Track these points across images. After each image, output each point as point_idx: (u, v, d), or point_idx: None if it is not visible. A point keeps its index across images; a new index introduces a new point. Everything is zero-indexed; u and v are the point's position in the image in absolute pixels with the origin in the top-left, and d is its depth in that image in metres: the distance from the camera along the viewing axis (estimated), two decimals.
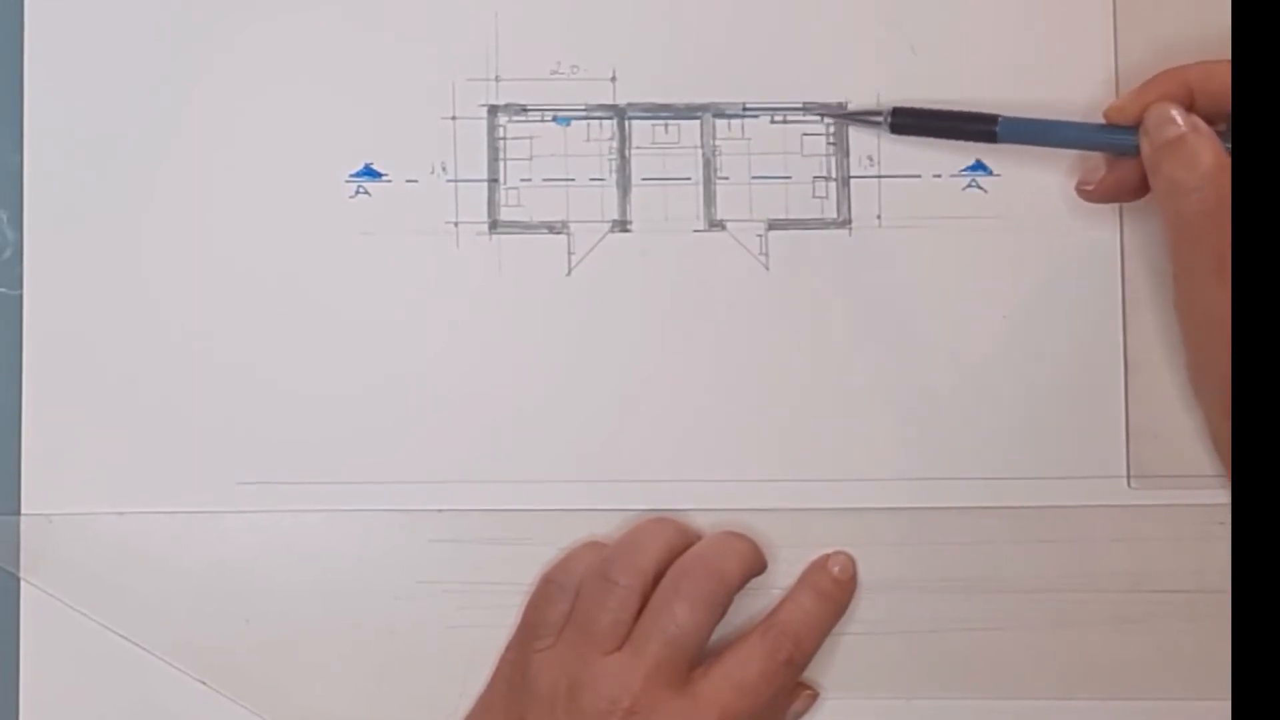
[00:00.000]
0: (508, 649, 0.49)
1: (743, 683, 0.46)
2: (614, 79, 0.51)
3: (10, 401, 0.50)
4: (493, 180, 0.51)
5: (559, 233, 0.51)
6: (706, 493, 0.50)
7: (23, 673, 0.50)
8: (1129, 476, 0.50)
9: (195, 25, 0.51)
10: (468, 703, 0.49)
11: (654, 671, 0.45)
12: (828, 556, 0.49)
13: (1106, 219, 0.50)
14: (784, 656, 0.47)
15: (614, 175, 0.51)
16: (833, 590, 0.49)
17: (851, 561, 0.49)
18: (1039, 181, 0.50)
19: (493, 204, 0.51)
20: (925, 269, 0.50)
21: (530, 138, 0.51)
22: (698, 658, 0.46)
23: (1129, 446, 0.50)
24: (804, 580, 0.49)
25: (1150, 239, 0.50)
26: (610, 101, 0.51)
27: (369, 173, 0.51)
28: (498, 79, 0.51)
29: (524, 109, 0.51)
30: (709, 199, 0.51)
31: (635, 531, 0.49)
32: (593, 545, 0.49)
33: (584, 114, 0.51)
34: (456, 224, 0.51)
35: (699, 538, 0.49)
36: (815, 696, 0.49)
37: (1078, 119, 0.49)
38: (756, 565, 0.49)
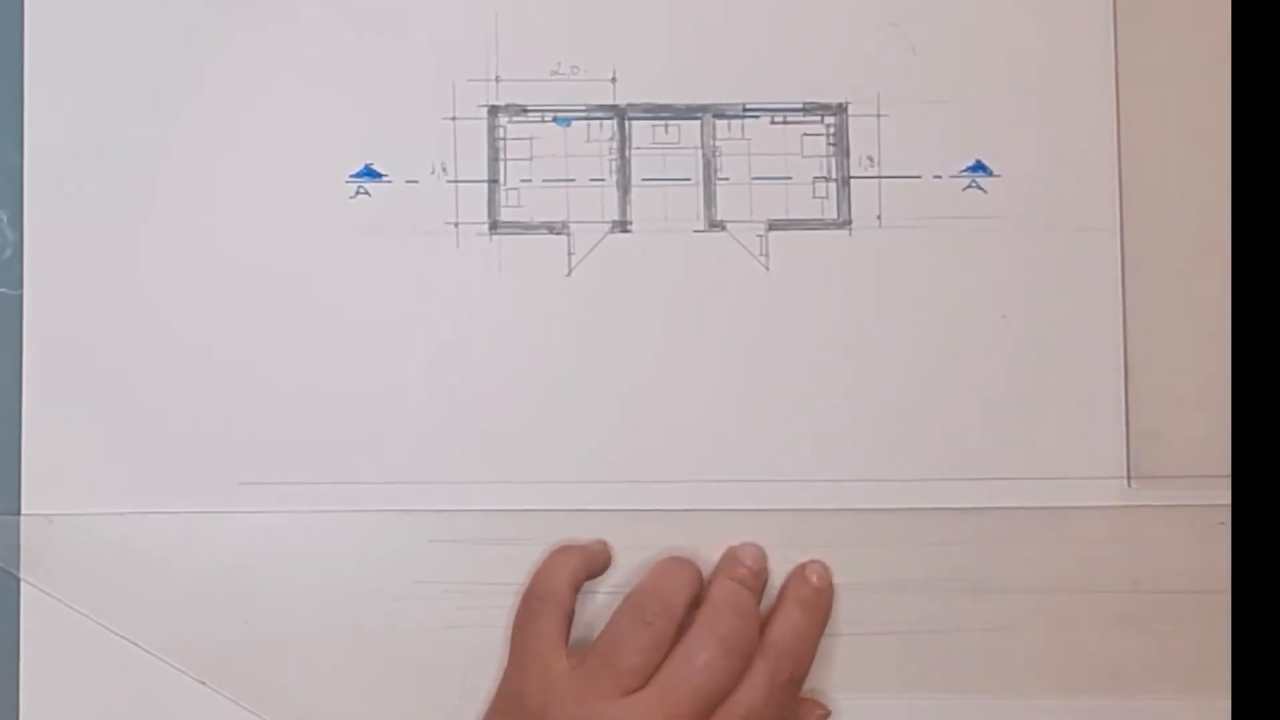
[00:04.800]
0: (506, 676, 0.48)
1: (751, 711, 0.46)
2: (614, 79, 0.51)
3: (10, 401, 0.50)
4: (493, 181, 0.51)
5: (559, 233, 0.51)
6: (706, 493, 0.50)
7: (23, 673, 0.50)
8: (1129, 477, 0.50)
9: (195, 25, 0.51)
10: (468, 702, 0.49)
11: (677, 718, 0.45)
12: (803, 566, 0.49)
13: (1106, 219, 0.50)
14: (786, 676, 0.47)
15: (614, 175, 0.51)
16: (815, 599, 0.49)
17: (827, 569, 0.49)
18: (1039, 181, 0.50)
19: (493, 204, 0.51)
20: (925, 269, 0.50)
21: (530, 138, 0.51)
22: (719, 704, 0.46)
23: (1129, 446, 0.50)
24: (787, 594, 0.49)
25: (1149, 239, 0.50)
26: (610, 102, 0.51)
27: (369, 173, 0.51)
28: (498, 79, 0.51)
29: (524, 109, 0.51)
30: (709, 199, 0.51)
31: (662, 572, 0.48)
32: (566, 550, 0.49)
33: (584, 114, 0.51)
34: (456, 224, 0.51)
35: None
36: (827, 715, 0.49)
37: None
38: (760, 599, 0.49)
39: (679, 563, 0.49)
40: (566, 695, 0.46)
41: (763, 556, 0.49)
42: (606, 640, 0.47)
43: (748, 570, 0.49)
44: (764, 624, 0.48)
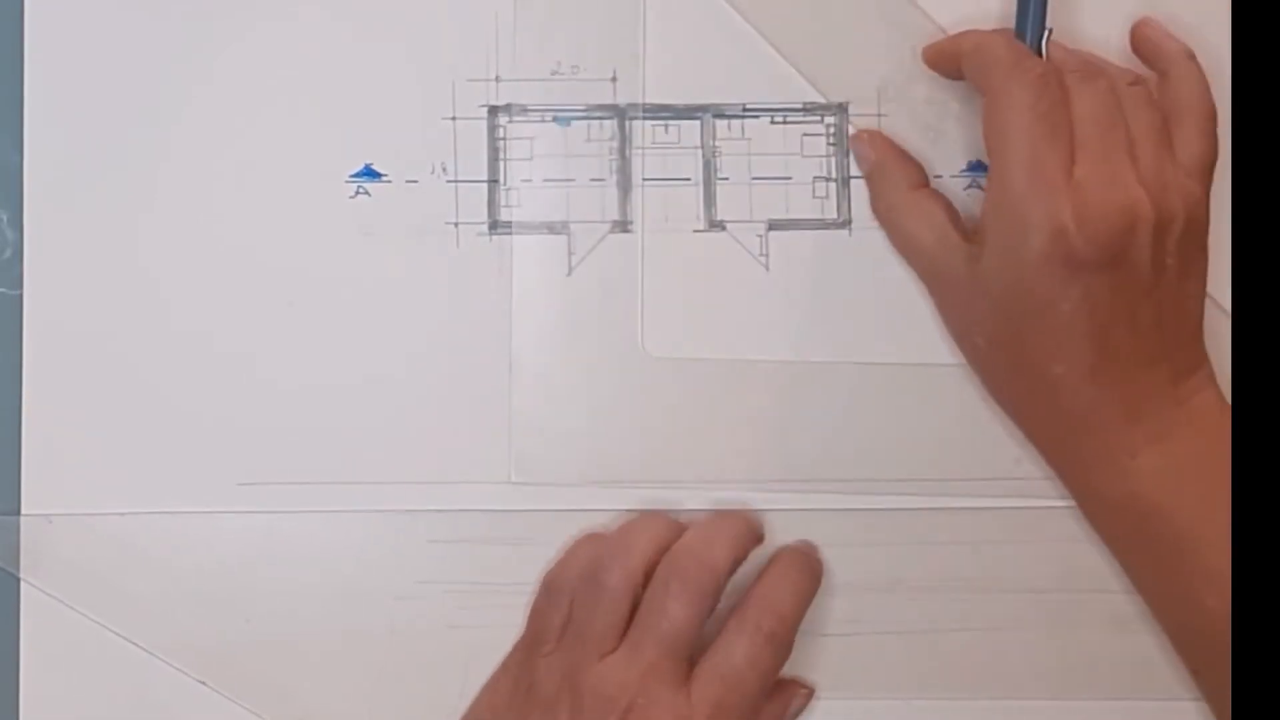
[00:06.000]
0: (514, 652, 0.49)
1: (729, 671, 0.46)
2: (614, 79, 0.51)
3: (10, 401, 0.50)
4: (493, 181, 0.51)
5: (559, 233, 0.51)
6: (706, 494, 0.50)
7: (23, 673, 0.50)
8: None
9: (195, 25, 0.51)
10: (468, 703, 0.49)
11: (650, 670, 0.45)
12: (794, 541, 0.50)
13: None
14: (766, 632, 0.46)
15: (614, 175, 0.51)
16: (801, 561, 0.49)
17: (814, 547, 0.50)
18: None
19: (493, 204, 0.51)
20: None
21: (530, 138, 0.51)
22: (696, 650, 0.46)
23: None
24: (774, 559, 0.49)
25: None
26: (610, 102, 0.51)
27: (369, 173, 0.51)
28: (498, 79, 0.51)
29: (524, 109, 0.51)
30: (709, 199, 0.51)
31: (623, 531, 0.48)
32: (590, 539, 0.49)
33: (584, 114, 0.51)
34: (456, 224, 0.51)
35: (686, 528, 0.48)
36: (810, 694, 0.49)
37: None
38: (748, 543, 0.48)
39: (642, 518, 0.48)
40: (554, 667, 0.46)
41: (756, 522, 0.49)
42: (575, 610, 0.47)
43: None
44: (750, 586, 0.47)
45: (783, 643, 0.47)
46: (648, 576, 0.47)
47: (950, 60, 0.49)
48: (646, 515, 0.49)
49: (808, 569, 0.48)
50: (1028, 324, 0.46)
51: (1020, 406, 0.48)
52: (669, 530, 0.48)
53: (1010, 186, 0.45)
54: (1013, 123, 0.45)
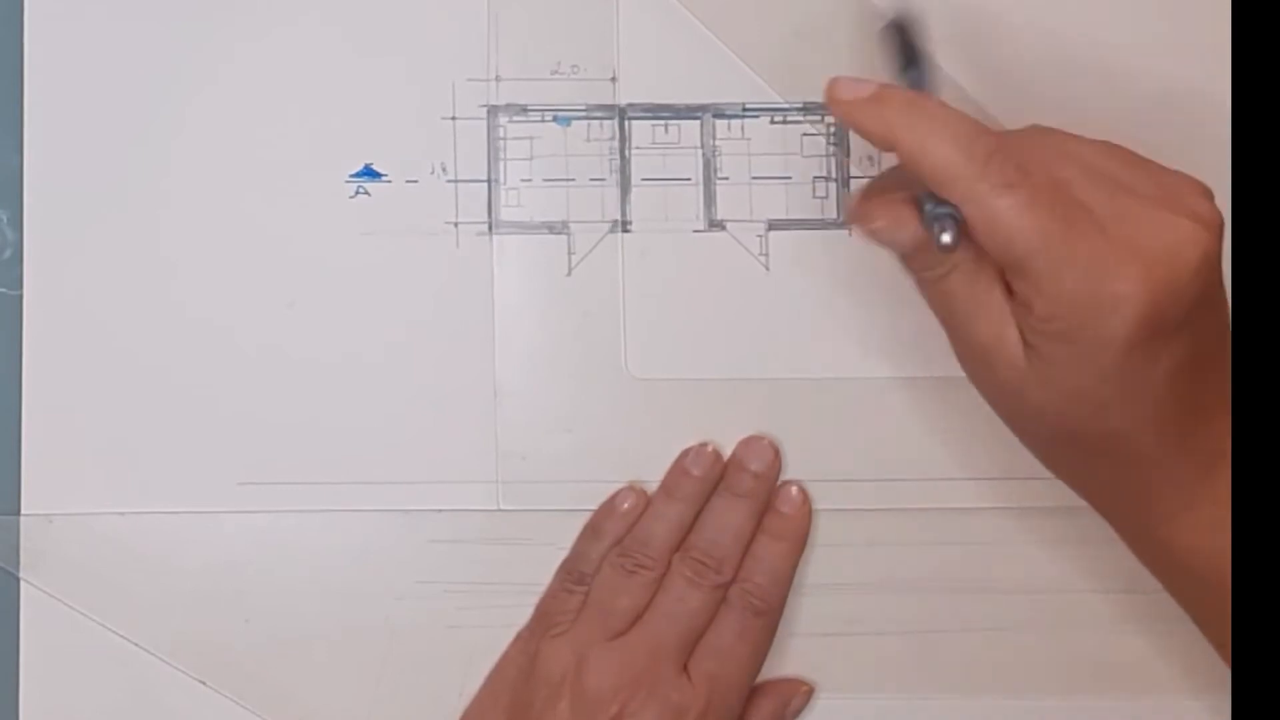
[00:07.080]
0: (516, 640, 0.49)
1: (720, 649, 0.47)
2: (614, 79, 0.51)
3: (10, 401, 0.50)
4: (493, 180, 0.51)
5: (559, 233, 0.51)
6: None
7: (23, 673, 0.50)
8: None
9: (196, 26, 0.51)
10: (468, 703, 0.49)
11: (658, 651, 0.46)
12: (776, 493, 0.49)
13: None
14: (752, 610, 0.48)
15: (614, 175, 0.51)
16: (784, 528, 0.49)
17: (801, 492, 0.49)
18: None
19: (493, 204, 0.51)
20: None
21: (530, 138, 0.51)
22: (700, 631, 0.48)
23: None
24: (761, 528, 0.49)
25: None
26: (610, 101, 0.51)
27: (369, 173, 0.51)
28: (498, 79, 0.51)
29: (524, 109, 0.51)
30: (709, 199, 0.51)
31: (649, 517, 0.49)
32: (607, 523, 0.49)
33: (584, 114, 0.51)
34: (456, 224, 0.51)
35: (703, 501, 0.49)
36: (810, 693, 0.49)
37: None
38: (758, 521, 0.49)
39: (666, 502, 0.49)
40: (562, 647, 0.47)
41: (772, 453, 0.49)
42: (598, 590, 0.48)
43: (751, 476, 0.49)
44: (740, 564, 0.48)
45: (770, 616, 0.48)
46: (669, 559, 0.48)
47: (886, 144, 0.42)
48: (664, 501, 0.49)
49: (790, 534, 0.49)
50: (1112, 411, 0.41)
51: (1090, 483, 0.45)
52: (690, 509, 0.49)
53: (1059, 291, 0.39)
54: (1022, 230, 0.39)
